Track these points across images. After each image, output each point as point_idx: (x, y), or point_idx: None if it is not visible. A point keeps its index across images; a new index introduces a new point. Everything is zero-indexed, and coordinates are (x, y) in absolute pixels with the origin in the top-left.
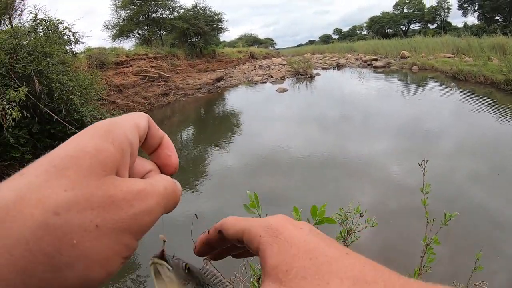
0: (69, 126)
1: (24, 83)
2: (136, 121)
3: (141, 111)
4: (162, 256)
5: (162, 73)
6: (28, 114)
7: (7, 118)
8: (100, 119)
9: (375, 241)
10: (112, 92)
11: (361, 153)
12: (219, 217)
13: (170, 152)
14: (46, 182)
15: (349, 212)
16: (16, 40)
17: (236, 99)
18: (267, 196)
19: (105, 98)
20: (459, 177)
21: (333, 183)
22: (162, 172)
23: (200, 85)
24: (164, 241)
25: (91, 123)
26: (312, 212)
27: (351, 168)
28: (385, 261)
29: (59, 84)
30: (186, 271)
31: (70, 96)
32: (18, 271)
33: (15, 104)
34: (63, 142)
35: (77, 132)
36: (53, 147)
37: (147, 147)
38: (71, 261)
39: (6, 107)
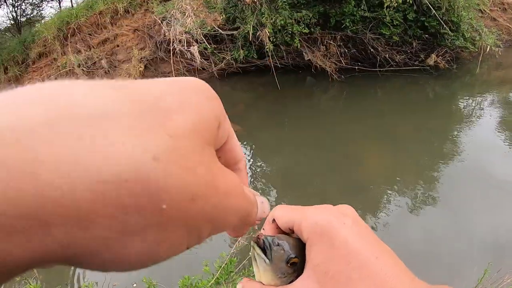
0: (444, 25)
1: None
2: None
3: None
4: (259, 243)
5: None
6: (410, 1)
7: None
8: (477, 30)
9: None
10: (495, 8)
11: None
12: None
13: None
14: (138, 115)
15: None
16: None
17: None
18: None
19: (485, 11)
20: None
21: None
22: None
23: None
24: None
25: (466, 31)
26: None
27: None
28: None
29: None
30: (289, 264)
31: None
32: (65, 215)
33: None
34: (432, 37)
35: (449, 34)
36: (421, 38)
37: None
38: (145, 228)
39: None
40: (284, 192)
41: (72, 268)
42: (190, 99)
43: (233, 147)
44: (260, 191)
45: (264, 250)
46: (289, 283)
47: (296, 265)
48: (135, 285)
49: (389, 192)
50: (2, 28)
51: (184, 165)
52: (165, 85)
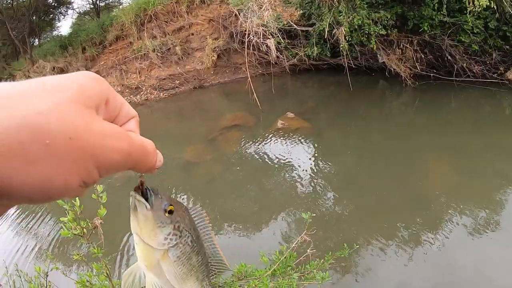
0: None
1: None
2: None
3: None
4: (142, 191)
5: None
6: (494, 6)
7: (475, 4)
8: None
9: None
10: None
11: None
12: None
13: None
14: (39, 92)
15: None
16: None
17: None
18: None
19: None
20: None
21: None
22: None
23: None
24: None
25: None
26: None
27: None
28: None
29: None
30: (167, 213)
31: None
32: None
33: None
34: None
35: None
36: (502, 49)
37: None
38: (39, 158)
39: None
40: (343, 194)
41: (126, 237)
42: (76, 81)
43: (127, 112)
44: (319, 191)
45: (145, 198)
46: (165, 236)
47: (172, 214)
48: None
49: (449, 210)
50: (82, 12)
51: (61, 117)
52: (61, 76)
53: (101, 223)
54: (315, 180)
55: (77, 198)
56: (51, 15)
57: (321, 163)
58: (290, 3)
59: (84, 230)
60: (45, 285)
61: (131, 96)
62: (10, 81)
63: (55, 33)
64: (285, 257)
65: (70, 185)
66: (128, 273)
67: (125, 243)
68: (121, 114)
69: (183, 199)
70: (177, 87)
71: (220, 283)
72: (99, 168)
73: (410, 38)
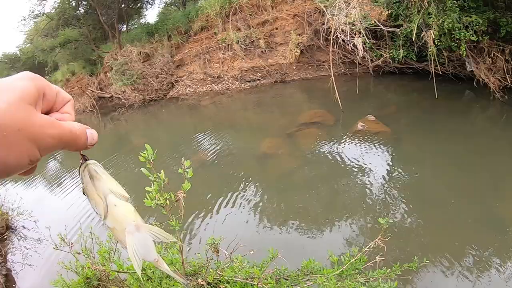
0: None
1: None
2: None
3: None
4: (86, 159)
5: None
6: None
7: None
8: None
9: None
10: None
11: None
12: None
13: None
14: None
15: None
16: None
17: None
18: None
19: None
20: None
21: None
22: None
23: None
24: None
25: None
26: None
27: None
28: None
29: None
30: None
31: None
32: None
33: None
34: None
35: None
36: None
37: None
38: None
39: None
40: (415, 205)
41: (191, 217)
42: (19, 83)
43: (63, 98)
44: (390, 199)
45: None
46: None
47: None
48: (252, 252)
49: None
50: (168, 2)
51: (13, 114)
52: (5, 79)
53: (184, 197)
54: (387, 188)
55: (162, 171)
56: (139, 4)
57: (396, 170)
58: (377, 1)
59: (167, 201)
60: (114, 250)
61: (213, 84)
62: (98, 62)
63: (142, 20)
64: (355, 260)
65: (21, 163)
66: (131, 252)
67: (190, 224)
68: (58, 100)
69: (255, 189)
70: (258, 79)
71: (285, 275)
72: (40, 150)
73: (501, 47)
